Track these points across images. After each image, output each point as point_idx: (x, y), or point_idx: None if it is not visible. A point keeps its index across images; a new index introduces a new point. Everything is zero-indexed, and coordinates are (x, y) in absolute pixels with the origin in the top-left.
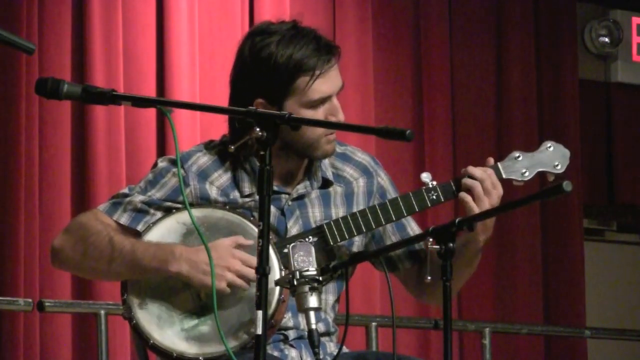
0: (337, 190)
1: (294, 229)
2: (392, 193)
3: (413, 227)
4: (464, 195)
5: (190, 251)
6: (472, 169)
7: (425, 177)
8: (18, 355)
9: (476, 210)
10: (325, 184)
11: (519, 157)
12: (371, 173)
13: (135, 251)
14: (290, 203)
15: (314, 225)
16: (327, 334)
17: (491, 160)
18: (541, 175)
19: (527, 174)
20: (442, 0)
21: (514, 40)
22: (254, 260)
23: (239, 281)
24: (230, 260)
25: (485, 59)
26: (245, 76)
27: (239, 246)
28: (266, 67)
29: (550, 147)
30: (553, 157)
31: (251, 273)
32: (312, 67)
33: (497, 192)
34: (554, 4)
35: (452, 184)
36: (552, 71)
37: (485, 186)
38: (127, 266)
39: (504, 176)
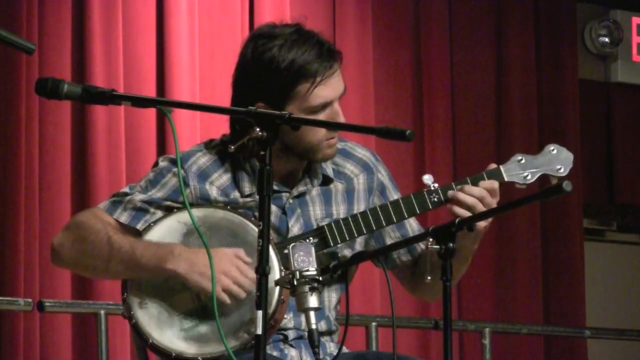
0: (337, 187)
1: (295, 227)
2: (390, 189)
3: (412, 224)
4: (461, 212)
5: (190, 252)
6: (469, 188)
7: (427, 179)
8: (18, 355)
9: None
10: (326, 180)
11: (521, 160)
12: (371, 169)
13: (135, 250)
14: (291, 201)
15: (315, 224)
16: (329, 332)
17: (493, 165)
18: (543, 178)
19: (529, 177)
20: (442, 0)
21: (514, 40)
22: (251, 272)
23: (235, 288)
24: (228, 266)
25: (485, 59)
26: (246, 79)
27: (239, 258)
28: (267, 72)
29: (553, 150)
30: (556, 160)
31: (247, 282)
32: (314, 73)
33: (497, 199)
34: (554, 4)
35: (453, 186)
36: (552, 71)
37: (486, 202)
38: (126, 265)
39: (505, 179)
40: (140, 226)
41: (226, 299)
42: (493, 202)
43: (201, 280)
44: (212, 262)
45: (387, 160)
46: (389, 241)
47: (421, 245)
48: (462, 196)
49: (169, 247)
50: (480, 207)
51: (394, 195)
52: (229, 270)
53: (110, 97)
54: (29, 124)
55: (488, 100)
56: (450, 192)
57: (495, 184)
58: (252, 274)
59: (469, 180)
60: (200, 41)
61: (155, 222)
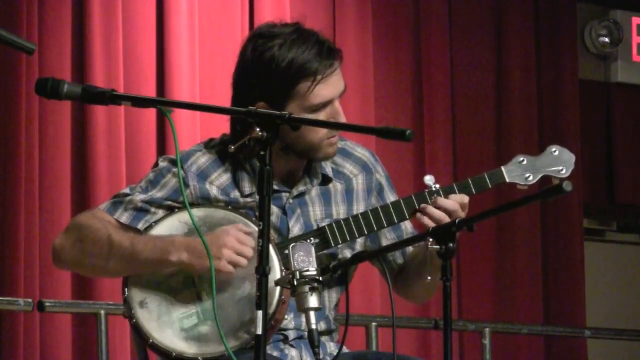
0: (337, 187)
1: (295, 227)
2: (387, 190)
3: (407, 226)
4: (427, 222)
5: (189, 239)
6: (441, 201)
7: (428, 179)
8: (18, 355)
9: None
10: (325, 180)
11: (523, 161)
12: (370, 169)
13: (135, 245)
14: (291, 201)
15: (315, 224)
16: (328, 332)
17: None
18: (544, 178)
19: (530, 178)
20: (442, 0)
21: (514, 40)
22: (251, 240)
23: (236, 258)
24: (225, 237)
25: (485, 59)
26: (246, 79)
27: (237, 230)
28: (268, 71)
29: (555, 151)
30: (557, 161)
31: (247, 250)
32: (314, 72)
33: (465, 212)
34: (554, 4)
35: (455, 187)
36: (552, 71)
37: (455, 216)
38: (127, 261)
39: (507, 180)
40: (141, 226)
41: (230, 269)
42: (462, 215)
43: (206, 263)
44: (209, 242)
45: (387, 160)
46: (384, 242)
47: (410, 248)
48: (431, 210)
49: (169, 239)
50: (447, 220)
51: (390, 196)
52: (227, 241)
53: (110, 97)
54: (29, 124)
55: (488, 100)
56: (422, 204)
57: (465, 199)
58: (252, 242)
59: (470, 182)
60: (200, 41)
61: (157, 221)
